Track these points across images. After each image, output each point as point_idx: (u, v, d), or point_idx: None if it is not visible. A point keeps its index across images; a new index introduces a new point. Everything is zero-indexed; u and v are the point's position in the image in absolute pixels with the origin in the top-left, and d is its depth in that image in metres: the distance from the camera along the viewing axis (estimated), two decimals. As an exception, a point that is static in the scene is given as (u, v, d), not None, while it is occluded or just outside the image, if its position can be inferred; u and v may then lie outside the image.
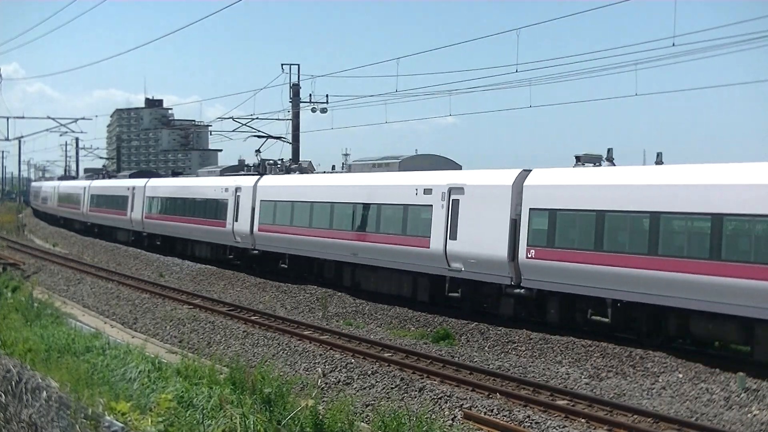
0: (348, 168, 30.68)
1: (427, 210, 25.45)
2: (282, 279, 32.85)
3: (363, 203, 28.57)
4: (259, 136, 40.97)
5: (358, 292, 28.98)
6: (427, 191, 25.56)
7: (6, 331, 18.09)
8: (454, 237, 24.35)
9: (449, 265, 24.51)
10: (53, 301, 26.31)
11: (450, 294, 25.00)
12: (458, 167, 30.03)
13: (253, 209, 35.00)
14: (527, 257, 22.14)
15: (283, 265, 33.30)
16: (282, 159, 38.80)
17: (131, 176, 57.67)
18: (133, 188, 49.45)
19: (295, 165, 38.63)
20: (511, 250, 22.64)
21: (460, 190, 24.49)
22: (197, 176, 46.61)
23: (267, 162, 39.17)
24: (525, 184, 22.65)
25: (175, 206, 43.36)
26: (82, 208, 60.87)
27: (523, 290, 22.53)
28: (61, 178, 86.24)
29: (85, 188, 61.14)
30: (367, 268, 28.68)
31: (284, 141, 43.24)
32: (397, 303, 26.69)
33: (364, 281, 29.04)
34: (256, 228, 34.73)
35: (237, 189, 36.55)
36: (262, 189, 35.00)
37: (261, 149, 42.25)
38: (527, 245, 22.16)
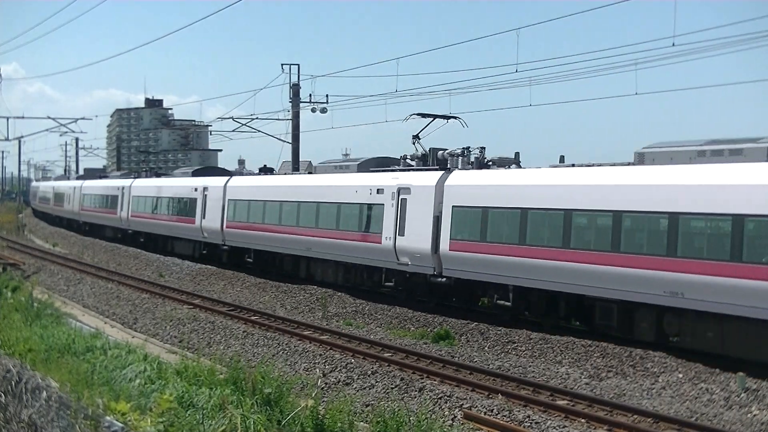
0: (639, 158, 21.04)
1: None
2: (282, 279, 32.82)
3: (687, 213, 18.41)
4: (424, 115, 29.62)
5: (357, 291, 28.84)
6: None
7: (6, 331, 18.07)
8: None
9: None
10: (53, 301, 26.28)
11: None
12: None
13: (436, 218, 25.02)
14: None
15: (501, 302, 23.58)
16: (467, 148, 27.34)
17: (195, 174, 45.87)
18: (205, 188, 39.68)
19: (492, 157, 26.93)
20: None
21: None
22: (310, 173, 35.52)
23: (448, 153, 27.67)
24: None
25: (278, 213, 33.07)
26: (120, 213, 50.90)
27: None
28: (80, 177, 74.09)
29: (121, 189, 51.28)
30: (696, 316, 18.57)
31: (460, 121, 30.16)
32: (397, 303, 26.68)
33: (693, 334, 18.89)
34: (444, 245, 24.60)
35: (401, 189, 26.58)
36: (453, 189, 24.85)
37: (420, 135, 29.22)
38: None
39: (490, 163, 26.46)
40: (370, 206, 27.74)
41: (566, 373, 18.04)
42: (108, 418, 9.78)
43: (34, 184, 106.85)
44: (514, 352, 20.56)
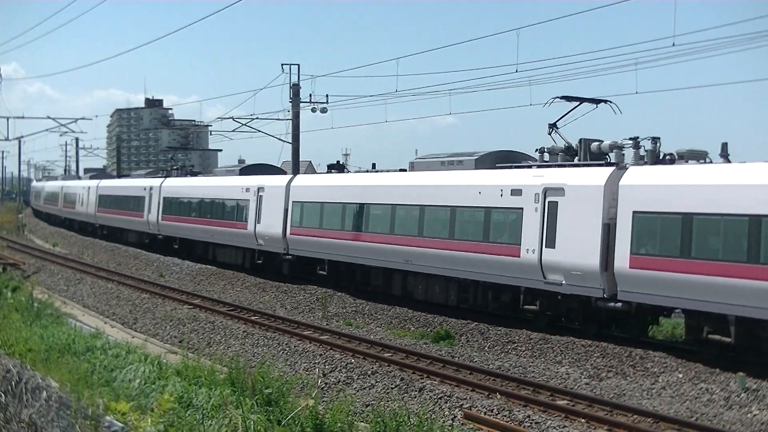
0: None
1: None
2: (282, 279, 32.82)
3: None
4: (569, 98, 24.20)
5: (358, 291, 28.84)
6: None
7: (6, 331, 18.10)
8: None
9: None
10: (53, 301, 26.33)
11: None
12: None
13: (606, 227, 20.25)
14: None
15: (715, 336, 18.29)
16: (635, 138, 21.92)
17: (243, 172, 39.86)
18: (260, 189, 34.63)
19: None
20: None
21: None
22: (402, 170, 30.15)
23: (609, 145, 22.45)
24: None
25: (364, 218, 28.23)
26: (148, 216, 46.23)
27: None
28: (94, 176, 68.61)
29: (149, 189, 46.75)
30: None
31: (610, 105, 24.37)
32: (397, 303, 26.68)
33: None
34: (621, 262, 19.59)
35: (549, 190, 21.57)
36: (633, 191, 19.73)
37: (558, 124, 24.05)
38: None
39: (668, 157, 20.92)
40: (500, 210, 22.87)
41: (566, 373, 18.05)
42: (108, 418, 9.79)
43: (34, 183, 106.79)
44: (514, 352, 20.57)
